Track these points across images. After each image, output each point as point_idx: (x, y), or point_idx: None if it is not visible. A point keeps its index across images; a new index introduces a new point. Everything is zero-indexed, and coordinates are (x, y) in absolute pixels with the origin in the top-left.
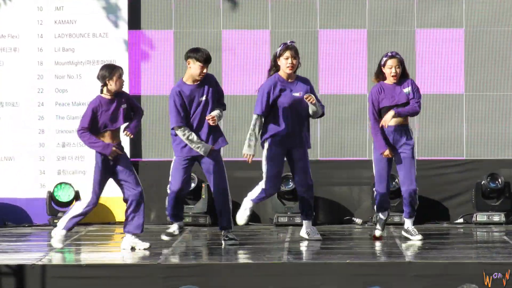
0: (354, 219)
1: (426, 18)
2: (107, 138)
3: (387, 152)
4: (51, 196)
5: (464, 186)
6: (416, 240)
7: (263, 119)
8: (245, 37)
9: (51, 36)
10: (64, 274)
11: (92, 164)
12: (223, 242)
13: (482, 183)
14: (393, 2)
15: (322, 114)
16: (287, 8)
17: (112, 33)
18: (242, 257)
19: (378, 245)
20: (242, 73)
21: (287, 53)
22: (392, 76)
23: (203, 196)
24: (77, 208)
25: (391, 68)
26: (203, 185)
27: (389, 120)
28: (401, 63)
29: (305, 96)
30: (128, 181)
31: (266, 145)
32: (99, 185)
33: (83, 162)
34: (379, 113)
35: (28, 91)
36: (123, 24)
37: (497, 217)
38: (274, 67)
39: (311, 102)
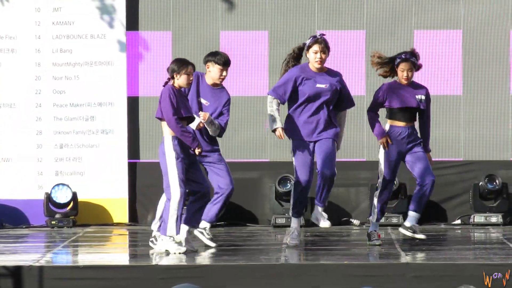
0: (352, 220)
1: (424, 19)
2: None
3: (384, 140)
4: (49, 197)
5: (461, 187)
6: (420, 237)
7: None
8: (243, 38)
9: (49, 37)
10: (61, 276)
11: (92, 164)
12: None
13: (480, 184)
14: (391, 3)
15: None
16: (285, 9)
17: (110, 34)
18: (240, 258)
19: (376, 246)
20: (240, 74)
21: (316, 47)
22: (404, 79)
23: None
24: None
25: (403, 71)
26: None
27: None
28: (414, 66)
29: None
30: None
31: (292, 139)
32: (185, 174)
33: (81, 163)
34: (377, 109)
35: (26, 92)
36: (121, 25)
37: (495, 218)
38: (294, 60)
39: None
